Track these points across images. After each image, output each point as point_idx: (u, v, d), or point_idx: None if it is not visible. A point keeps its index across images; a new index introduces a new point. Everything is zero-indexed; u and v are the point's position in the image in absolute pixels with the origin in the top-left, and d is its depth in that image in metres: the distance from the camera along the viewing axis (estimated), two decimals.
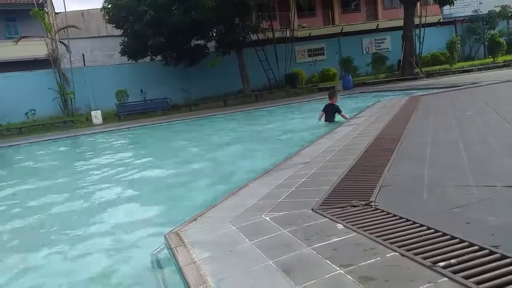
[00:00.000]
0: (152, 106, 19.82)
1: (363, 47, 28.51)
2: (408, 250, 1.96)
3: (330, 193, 3.11)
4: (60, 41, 21.95)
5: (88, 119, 18.74)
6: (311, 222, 2.55)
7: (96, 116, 18.14)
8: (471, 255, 1.85)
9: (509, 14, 29.24)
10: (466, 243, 1.97)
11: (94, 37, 25.79)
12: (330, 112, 8.88)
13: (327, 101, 9.14)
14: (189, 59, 21.69)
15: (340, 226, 2.42)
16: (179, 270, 2.27)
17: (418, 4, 26.70)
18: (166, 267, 2.56)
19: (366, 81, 21.70)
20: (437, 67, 24.50)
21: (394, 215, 2.47)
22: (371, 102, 11.33)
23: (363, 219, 2.48)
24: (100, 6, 21.15)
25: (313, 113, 10.25)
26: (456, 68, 22.57)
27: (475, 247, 1.91)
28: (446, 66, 24.05)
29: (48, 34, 20.94)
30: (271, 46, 24.85)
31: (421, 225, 2.25)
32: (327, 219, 2.57)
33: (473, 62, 25.16)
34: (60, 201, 5.07)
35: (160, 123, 15.12)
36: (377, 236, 2.17)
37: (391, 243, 2.06)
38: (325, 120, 8.91)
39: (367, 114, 8.35)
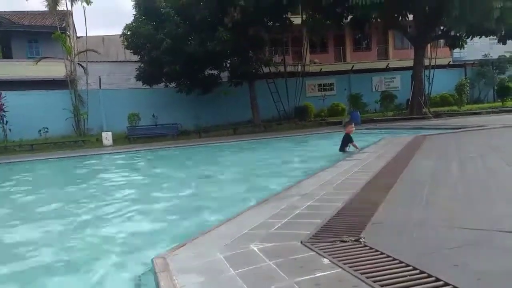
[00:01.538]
0: (163, 131, 20.09)
1: (372, 84, 28.83)
2: None
3: (322, 227, 3.11)
4: (79, 64, 22.65)
5: (99, 140, 19.02)
6: (298, 255, 2.55)
7: (107, 137, 18.42)
8: None
9: None
10: (450, 286, 1.95)
11: (112, 61, 26.56)
12: (344, 141, 9.23)
13: (335, 134, 9.41)
14: (202, 87, 22.13)
15: (326, 260, 2.41)
16: None
17: (429, 46, 27.19)
18: None
19: (374, 118, 21.79)
20: (446, 108, 24.57)
21: (382, 253, 2.46)
22: (377, 138, 11.35)
23: (350, 255, 2.47)
24: (120, 33, 21.90)
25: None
26: (465, 110, 22.60)
27: None
28: (455, 107, 24.11)
29: (68, 56, 21.64)
30: (283, 79, 25.31)
31: (407, 265, 2.24)
32: (314, 253, 2.56)
33: (482, 105, 25.19)
34: (40, 217, 5.14)
35: (167, 147, 15.34)
36: (362, 273, 2.16)
37: (374, 281, 2.05)
38: (339, 150, 9.22)
39: (371, 150, 8.36)
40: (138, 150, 14.88)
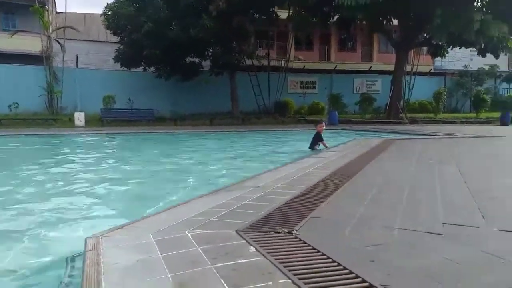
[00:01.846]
0: (138, 116, 19.84)
1: (354, 86, 29.16)
2: (302, 279, 1.98)
3: (262, 218, 3.13)
4: (56, 40, 22.07)
5: (71, 120, 18.64)
6: (227, 242, 2.56)
7: (79, 118, 18.08)
8: None
9: (497, 74, 30.34)
10: (359, 279, 2.00)
11: (91, 40, 25.96)
12: (314, 139, 9.48)
13: (311, 132, 9.58)
14: (182, 74, 21.91)
15: (252, 249, 2.43)
16: (82, 273, 2.26)
17: (412, 52, 27.65)
18: (76, 270, 2.54)
19: (352, 119, 22.08)
20: (423, 115, 25.09)
21: (309, 245, 2.50)
22: (349, 139, 11.51)
23: (278, 246, 2.49)
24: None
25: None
26: (440, 118, 23.14)
27: (366, 284, 1.94)
28: (431, 115, 24.64)
29: (45, 31, 21.05)
30: (265, 73, 25.30)
31: (328, 257, 2.28)
32: (244, 241, 2.58)
33: (457, 115, 25.84)
34: None
35: (139, 132, 15.15)
36: (281, 263, 2.19)
37: (290, 271, 2.08)
38: (309, 147, 9.45)
39: (338, 149, 8.47)
40: (108, 133, 14.65)
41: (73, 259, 2.82)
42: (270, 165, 6.84)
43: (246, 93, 24.08)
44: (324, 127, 9.89)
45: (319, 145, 9.38)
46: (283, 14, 23.72)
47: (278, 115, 24.07)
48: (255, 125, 20.27)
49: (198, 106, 23.93)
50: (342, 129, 17.54)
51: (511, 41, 22.24)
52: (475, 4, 21.42)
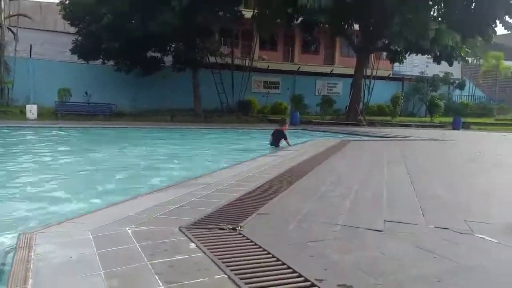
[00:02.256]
0: (94, 110, 19.16)
1: (316, 88, 29.67)
2: (238, 274, 1.97)
3: (208, 215, 3.10)
4: (9, 28, 20.90)
5: (22, 112, 17.73)
6: (168, 239, 2.51)
7: (31, 110, 17.22)
8: (293, 285, 1.89)
9: (451, 81, 31.90)
10: (296, 274, 2.01)
11: (46, 30, 24.78)
12: (277, 137, 9.74)
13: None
14: (142, 68, 21.38)
15: (192, 245, 2.39)
16: (10, 270, 2.13)
17: (372, 57, 28.51)
18: (6, 266, 2.40)
19: (313, 120, 22.44)
20: (381, 117, 25.93)
21: (251, 241, 2.49)
22: (307, 139, 11.68)
23: (220, 242, 2.47)
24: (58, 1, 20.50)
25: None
26: (397, 121, 24.02)
27: (301, 278, 1.96)
28: (389, 118, 25.52)
29: None
30: (229, 72, 25.18)
31: (268, 253, 2.28)
32: (186, 238, 2.54)
33: (412, 119, 26.91)
34: None
35: (92, 126, 14.63)
36: (220, 259, 2.17)
37: (227, 266, 2.06)
38: (271, 144, 9.73)
39: (295, 148, 8.57)
40: (61, 127, 14.06)
41: (5, 255, 2.65)
42: (229, 162, 6.80)
43: (209, 91, 23.87)
44: (287, 127, 10.31)
45: (282, 142, 9.66)
46: (248, 13, 23.73)
47: (241, 114, 24.06)
48: (217, 123, 20.16)
49: (159, 102, 23.42)
50: (302, 129, 17.78)
51: (464, 50, 23.47)
52: (432, 13, 22.43)
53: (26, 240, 2.52)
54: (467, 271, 2.17)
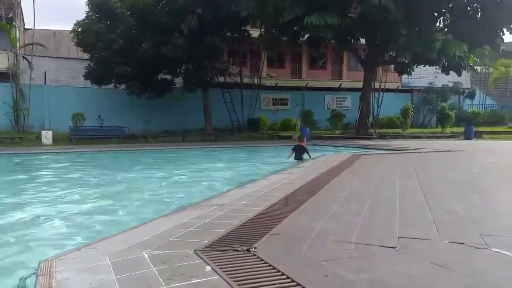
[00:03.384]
0: (107, 133, 19.49)
1: (325, 103, 29.78)
2: None
3: (222, 236, 3.14)
4: (24, 57, 21.57)
5: (38, 138, 18.12)
6: (184, 262, 2.55)
7: (47, 136, 17.60)
8: None
9: (460, 91, 31.73)
10: None
11: (60, 57, 25.50)
12: (299, 151, 10.70)
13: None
14: (154, 91, 21.78)
15: (208, 268, 2.43)
16: None
17: (380, 69, 28.60)
18: None
19: (323, 135, 22.44)
20: (391, 130, 25.82)
21: (266, 262, 2.52)
22: (318, 155, 11.69)
23: (235, 264, 2.51)
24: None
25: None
26: (408, 133, 23.86)
27: None
28: (399, 130, 25.39)
29: (12, 48, 20.57)
30: (238, 90, 25.49)
31: (283, 274, 2.31)
32: (201, 260, 2.58)
33: (424, 130, 26.72)
34: None
35: (108, 150, 14.88)
36: (235, 281, 2.20)
37: None
38: (295, 158, 10.62)
39: (306, 165, 8.59)
40: (76, 152, 14.33)
41: (27, 281, 2.72)
42: (240, 181, 6.85)
43: (220, 110, 24.17)
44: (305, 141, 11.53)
45: (304, 155, 10.61)
46: (255, 33, 24.15)
47: (251, 131, 24.23)
48: (228, 142, 20.31)
49: (170, 123, 23.76)
50: (313, 144, 17.75)
51: (472, 59, 23.41)
52: (438, 24, 22.52)
53: (46, 267, 2.60)
54: None
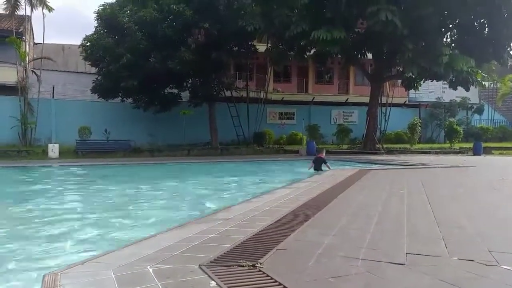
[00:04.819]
0: (113, 147, 19.56)
1: (331, 117, 29.73)
2: None
3: (227, 251, 3.10)
4: (33, 71, 21.88)
5: (45, 152, 18.23)
6: (189, 277, 2.52)
7: (53, 149, 17.70)
8: None
9: (468, 106, 31.56)
10: None
11: (68, 71, 25.84)
12: (318, 163, 11.60)
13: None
14: (160, 105, 21.91)
15: (213, 283, 2.40)
16: None
17: (387, 84, 28.57)
18: None
19: (330, 150, 22.29)
20: (399, 145, 25.64)
21: (271, 278, 2.48)
22: (325, 169, 11.62)
23: (240, 279, 2.47)
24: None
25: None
26: (416, 149, 23.67)
27: None
28: (407, 145, 25.21)
29: (21, 62, 20.89)
30: (244, 104, 25.56)
31: None
32: (206, 276, 2.55)
33: (432, 145, 26.50)
34: None
35: (112, 163, 14.94)
36: None
37: None
38: (314, 169, 11.48)
39: (312, 180, 8.53)
40: (81, 165, 14.39)
41: None
42: (246, 195, 6.81)
43: (225, 124, 24.20)
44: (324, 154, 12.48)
45: (323, 166, 11.49)
46: (262, 48, 24.32)
47: (257, 145, 24.19)
48: (234, 156, 20.30)
49: (176, 137, 23.77)
50: None
51: (480, 74, 23.30)
52: (445, 40, 22.54)
53: (51, 281, 2.57)
54: None
